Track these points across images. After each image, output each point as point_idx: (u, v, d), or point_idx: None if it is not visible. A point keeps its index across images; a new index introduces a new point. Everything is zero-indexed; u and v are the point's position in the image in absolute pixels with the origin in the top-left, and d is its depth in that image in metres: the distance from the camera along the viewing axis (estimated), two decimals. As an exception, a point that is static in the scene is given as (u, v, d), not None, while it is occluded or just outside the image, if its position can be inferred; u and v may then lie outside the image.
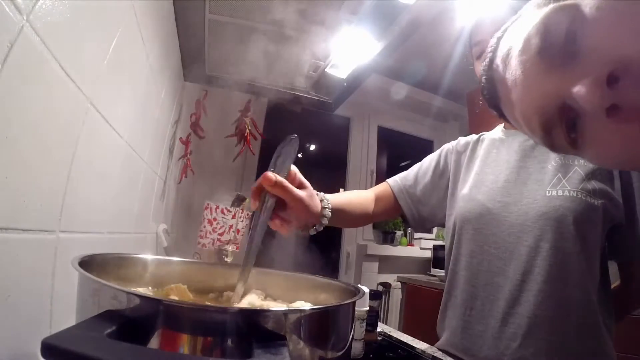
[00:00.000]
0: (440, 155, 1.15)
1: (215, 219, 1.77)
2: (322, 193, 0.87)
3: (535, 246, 0.84)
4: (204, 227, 1.77)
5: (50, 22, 0.51)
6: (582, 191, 0.82)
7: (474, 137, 1.13)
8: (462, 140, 1.15)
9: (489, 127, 1.13)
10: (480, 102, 1.08)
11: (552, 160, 0.89)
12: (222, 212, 1.79)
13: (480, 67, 0.93)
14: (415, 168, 1.17)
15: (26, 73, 0.48)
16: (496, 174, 0.97)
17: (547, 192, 0.85)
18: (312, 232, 0.84)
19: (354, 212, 1.00)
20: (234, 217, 1.80)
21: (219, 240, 1.77)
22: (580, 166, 0.85)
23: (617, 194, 0.84)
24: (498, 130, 1.08)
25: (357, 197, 1.05)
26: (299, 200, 0.69)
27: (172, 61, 1.57)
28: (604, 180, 0.84)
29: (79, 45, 0.63)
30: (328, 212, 0.84)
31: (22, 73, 0.47)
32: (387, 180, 1.16)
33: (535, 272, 0.83)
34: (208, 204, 1.80)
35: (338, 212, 0.89)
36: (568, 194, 0.82)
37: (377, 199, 1.10)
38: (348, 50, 1.65)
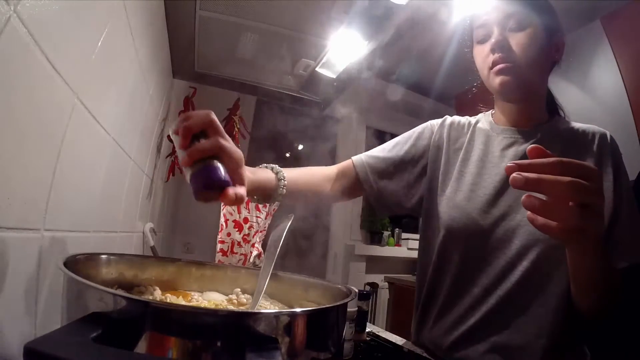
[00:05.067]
0: (419, 137, 1.03)
1: (246, 220, 1.16)
2: (275, 166, 0.85)
3: (516, 260, 0.81)
4: (229, 235, 1.14)
5: (38, 13, 0.50)
6: None
7: (458, 121, 1.02)
8: (447, 121, 1.03)
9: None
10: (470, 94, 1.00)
11: None
12: (258, 207, 1.19)
13: (480, 55, 0.88)
14: (385, 144, 1.05)
15: (12, 66, 0.47)
16: (480, 177, 0.90)
17: None
18: (258, 202, 0.83)
19: (309, 189, 0.94)
20: (268, 215, 1.22)
21: (259, 253, 1.17)
22: None
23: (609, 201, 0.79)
24: (487, 120, 0.98)
25: (316, 172, 0.98)
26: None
27: (161, 57, 1.55)
28: None
29: (67, 38, 0.61)
30: (282, 189, 0.83)
31: (7, 66, 0.46)
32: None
33: (509, 281, 0.80)
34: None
35: (293, 189, 0.86)
36: None
37: (339, 176, 1.00)
38: (339, 50, 1.64)
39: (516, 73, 0.82)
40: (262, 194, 0.83)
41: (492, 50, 0.84)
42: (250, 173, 0.74)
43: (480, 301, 0.83)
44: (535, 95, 0.90)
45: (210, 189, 0.53)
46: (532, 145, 0.51)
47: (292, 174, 0.87)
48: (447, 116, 1.04)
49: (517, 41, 0.83)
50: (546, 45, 0.85)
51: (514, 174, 0.47)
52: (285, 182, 0.83)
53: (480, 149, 0.93)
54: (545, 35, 0.84)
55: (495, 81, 0.84)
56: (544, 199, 0.49)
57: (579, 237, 0.52)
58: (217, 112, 0.57)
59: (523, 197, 0.48)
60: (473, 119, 1.01)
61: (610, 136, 0.86)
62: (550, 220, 0.49)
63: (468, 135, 0.97)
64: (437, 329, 0.90)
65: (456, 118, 1.03)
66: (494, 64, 0.84)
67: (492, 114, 0.99)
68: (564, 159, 0.48)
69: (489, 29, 0.85)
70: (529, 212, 0.50)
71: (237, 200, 0.54)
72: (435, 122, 1.04)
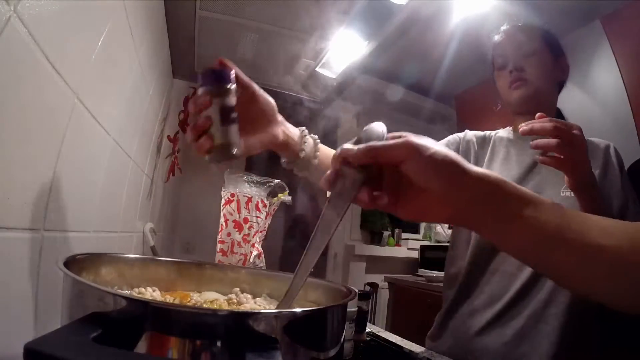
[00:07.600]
0: (448, 144, 1.10)
1: (246, 220, 1.13)
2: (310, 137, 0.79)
3: None
4: (229, 235, 1.11)
5: (38, 13, 0.50)
6: None
7: (479, 133, 1.13)
8: (469, 134, 1.12)
9: (477, 129, 1.12)
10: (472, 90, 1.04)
11: None
12: (258, 207, 1.14)
13: (501, 78, 1.05)
14: None
15: (12, 66, 0.47)
16: (507, 171, 0.99)
17: (561, 192, 0.89)
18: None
19: None
20: (268, 215, 1.19)
21: (259, 253, 1.15)
22: None
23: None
24: (507, 131, 1.10)
25: None
26: None
27: (161, 57, 1.55)
28: (610, 185, 0.90)
29: (67, 38, 0.61)
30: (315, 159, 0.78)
31: (7, 66, 0.45)
32: None
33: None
34: (233, 196, 1.10)
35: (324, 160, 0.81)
36: None
37: None
38: (339, 50, 1.65)
39: (530, 88, 0.98)
40: (292, 153, 0.77)
41: (510, 72, 1.01)
42: (285, 128, 0.74)
43: (507, 286, 0.90)
44: (547, 109, 0.95)
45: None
46: (539, 113, 0.76)
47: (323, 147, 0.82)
48: (467, 130, 1.15)
49: (529, 63, 0.99)
50: (553, 66, 1.01)
51: (522, 127, 0.75)
52: (318, 152, 0.78)
53: (504, 151, 1.05)
54: (552, 58, 1.01)
55: (513, 95, 1.01)
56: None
57: (569, 165, 0.76)
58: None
59: (531, 142, 0.76)
60: (493, 132, 1.14)
61: (614, 147, 0.97)
62: (548, 156, 0.76)
63: (491, 143, 1.09)
64: (467, 315, 0.96)
65: (476, 132, 1.15)
66: (511, 83, 1.01)
67: (511, 129, 1.11)
68: (555, 119, 0.74)
69: (506, 57, 1.03)
70: (539, 157, 0.78)
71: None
72: (458, 135, 1.14)
